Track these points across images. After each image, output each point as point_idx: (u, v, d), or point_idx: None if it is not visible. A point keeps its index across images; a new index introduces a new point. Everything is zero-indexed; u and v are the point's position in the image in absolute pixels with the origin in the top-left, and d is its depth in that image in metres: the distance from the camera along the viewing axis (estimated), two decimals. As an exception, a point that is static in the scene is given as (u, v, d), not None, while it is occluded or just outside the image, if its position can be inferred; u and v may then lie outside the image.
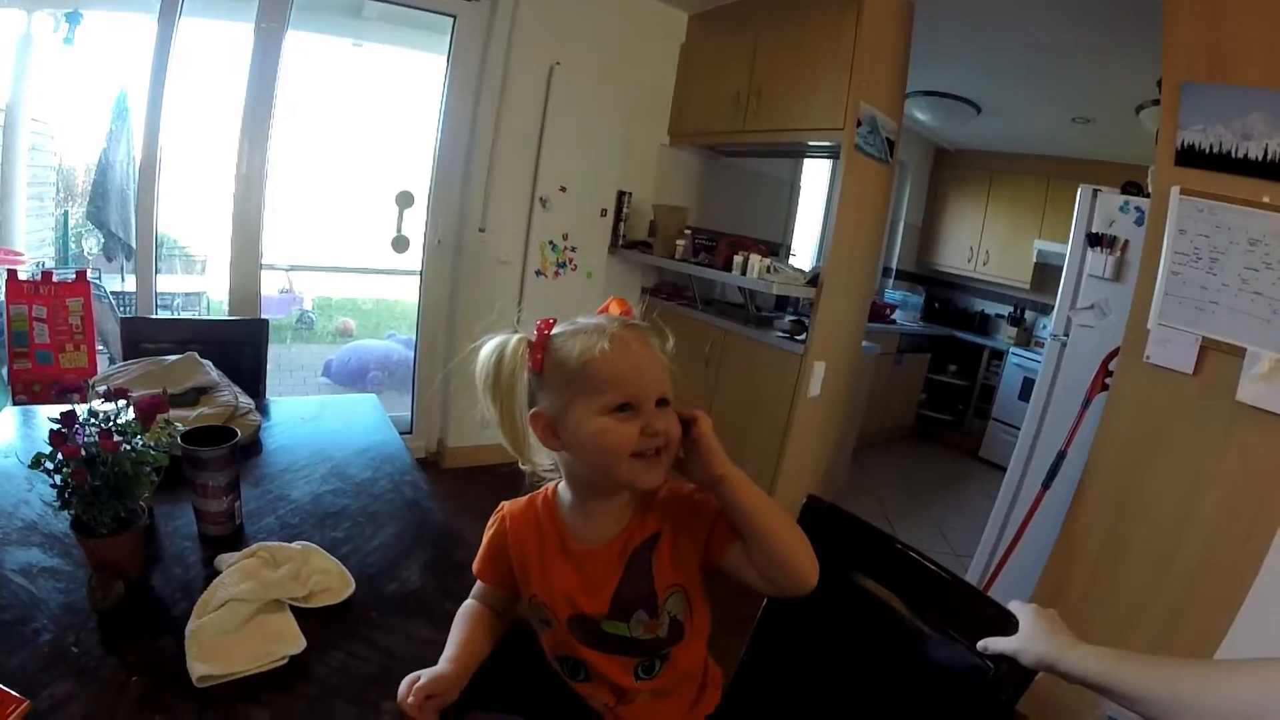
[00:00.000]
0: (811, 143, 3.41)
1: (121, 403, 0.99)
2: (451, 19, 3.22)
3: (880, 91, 3.09)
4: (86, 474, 0.93)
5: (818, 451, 3.36)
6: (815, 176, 4.86)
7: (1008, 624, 0.92)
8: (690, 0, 3.72)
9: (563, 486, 0.97)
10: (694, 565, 0.93)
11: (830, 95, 3.02)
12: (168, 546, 1.15)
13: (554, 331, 0.88)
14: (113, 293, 2.84)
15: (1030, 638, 0.87)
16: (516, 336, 0.89)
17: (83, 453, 0.93)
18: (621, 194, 3.79)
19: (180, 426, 1.08)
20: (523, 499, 1.01)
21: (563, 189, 3.51)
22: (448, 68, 3.25)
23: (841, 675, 1.13)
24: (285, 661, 0.91)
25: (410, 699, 0.84)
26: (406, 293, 3.59)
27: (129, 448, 0.97)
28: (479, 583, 1.03)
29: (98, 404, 0.98)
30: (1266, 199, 1.70)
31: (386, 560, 1.22)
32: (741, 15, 3.54)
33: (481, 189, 3.32)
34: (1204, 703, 0.70)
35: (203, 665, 0.85)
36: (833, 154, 3.51)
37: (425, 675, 0.86)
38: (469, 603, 1.03)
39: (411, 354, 3.63)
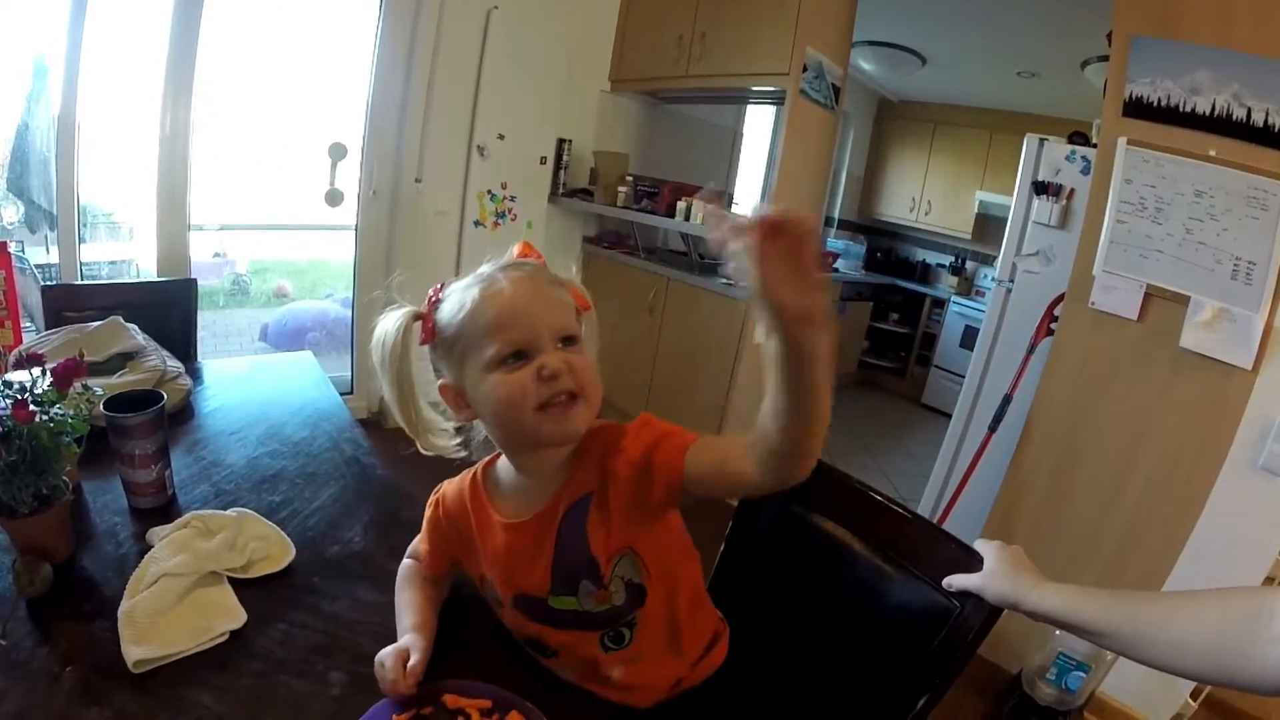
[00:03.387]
0: (756, 88, 3.37)
1: (37, 371, 0.90)
2: (382, -42, 3.03)
3: (827, 38, 3.05)
4: (1, 449, 0.84)
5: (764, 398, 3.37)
6: (758, 125, 4.80)
7: (970, 562, 0.92)
8: (632, -59, 3.59)
9: (501, 460, 0.91)
10: (641, 517, 0.83)
11: (776, 40, 2.98)
12: (97, 523, 1.06)
13: (442, 295, 0.82)
14: (37, 265, 2.65)
15: (994, 575, 0.87)
16: (401, 311, 0.83)
17: (-4, 426, 0.84)
18: (561, 141, 3.69)
19: (99, 390, 0.99)
20: (458, 478, 0.96)
21: (501, 137, 3.38)
22: (380, 10, 3.07)
23: (804, 621, 1.12)
24: (226, 637, 0.85)
25: (403, 680, 0.78)
26: (343, 251, 3.45)
27: (46, 418, 0.88)
28: (415, 545, 0.99)
29: (11, 375, 0.89)
30: (1213, 152, 1.73)
31: (327, 522, 1.16)
32: (686, -44, 3.43)
33: (417, 138, 3.17)
34: (1168, 635, 0.70)
35: (138, 649, 0.78)
36: (777, 100, 3.46)
37: (414, 656, 0.81)
38: (408, 563, 0.99)
39: (349, 313, 3.51)
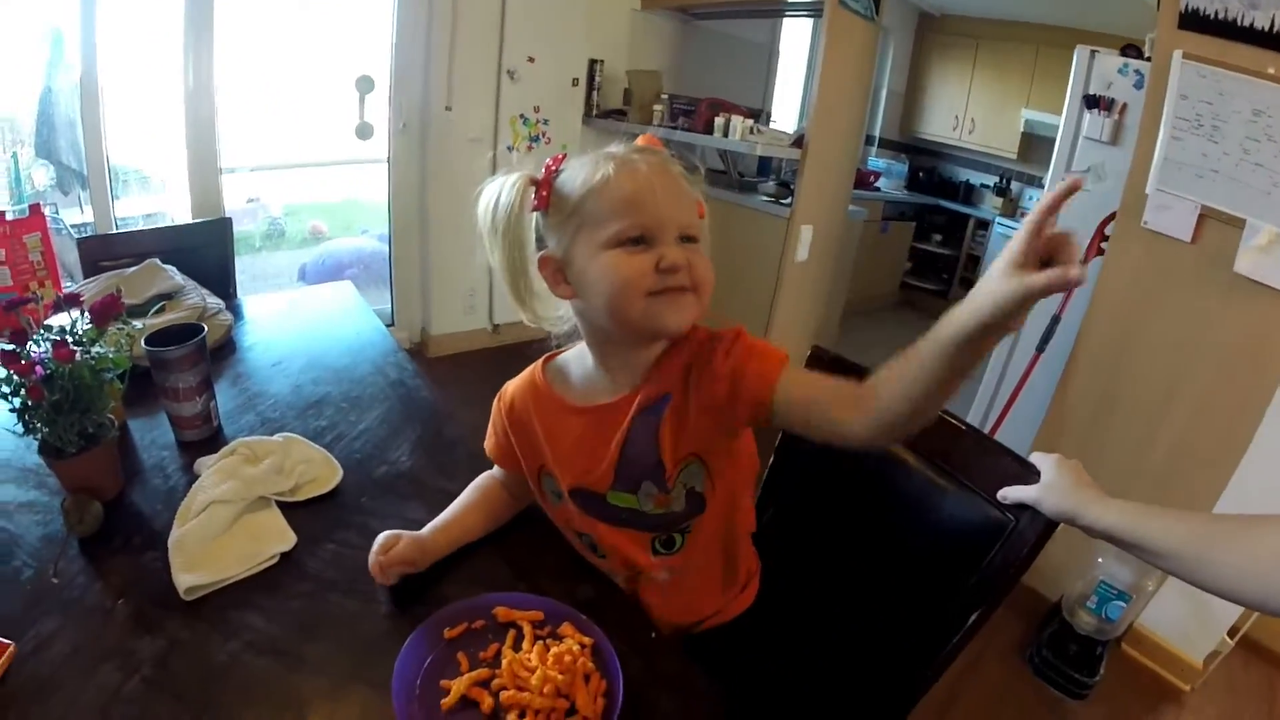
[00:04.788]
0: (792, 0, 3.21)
1: (75, 311, 0.91)
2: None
3: (868, -58, 2.88)
4: (43, 390, 0.86)
5: (806, 316, 3.37)
6: (795, 39, 4.62)
7: (1026, 475, 0.90)
8: None
9: (571, 353, 0.91)
10: (717, 432, 0.82)
11: (815, -54, 2.83)
12: (145, 459, 1.10)
13: (562, 165, 0.79)
14: (72, 225, 2.68)
15: (1053, 488, 0.85)
16: (518, 174, 0.78)
17: (38, 368, 0.86)
18: (593, 62, 3.60)
19: (138, 325, 1.01)
20: (519, 376, 0.95)
21: (530, 59, 3.30)
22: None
23: (854, 538, 1.11)
24: (276, 560, 0.88)
25: (378, 557, 0.83)
26: (375, 188, 3.44)
27: (87, 356, 0.90)
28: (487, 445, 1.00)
29: (50, 319, 0.91)
30: (1272, 70, 1.61)
31: (374, 444, 1.19)
32: None
33: (445, 66, 3.10)
34: (1232, 558, 0.67)
35: (189, 576, 0.82)
36: (815, 11, 3.32)
37: (403, 541, 0.85)
38: (484, 475, 1.01)
39: (386, 248, 3.53)
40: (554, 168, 0.79)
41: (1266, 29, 1.61)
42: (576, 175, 0.77)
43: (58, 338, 0.88)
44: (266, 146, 3.23)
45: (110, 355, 0.91)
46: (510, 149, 3.38)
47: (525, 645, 0.76)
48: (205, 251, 1.86)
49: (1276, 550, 0.64)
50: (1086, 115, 2.33)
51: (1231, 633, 1.94)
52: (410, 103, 3.18)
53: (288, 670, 0.73)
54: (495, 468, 1.00)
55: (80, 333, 0.90)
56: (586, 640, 0.77)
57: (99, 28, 2.41)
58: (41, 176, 2.71)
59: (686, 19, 3.94)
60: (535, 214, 0.79)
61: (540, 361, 0.94)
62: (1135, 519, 0.76)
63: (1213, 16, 1.69)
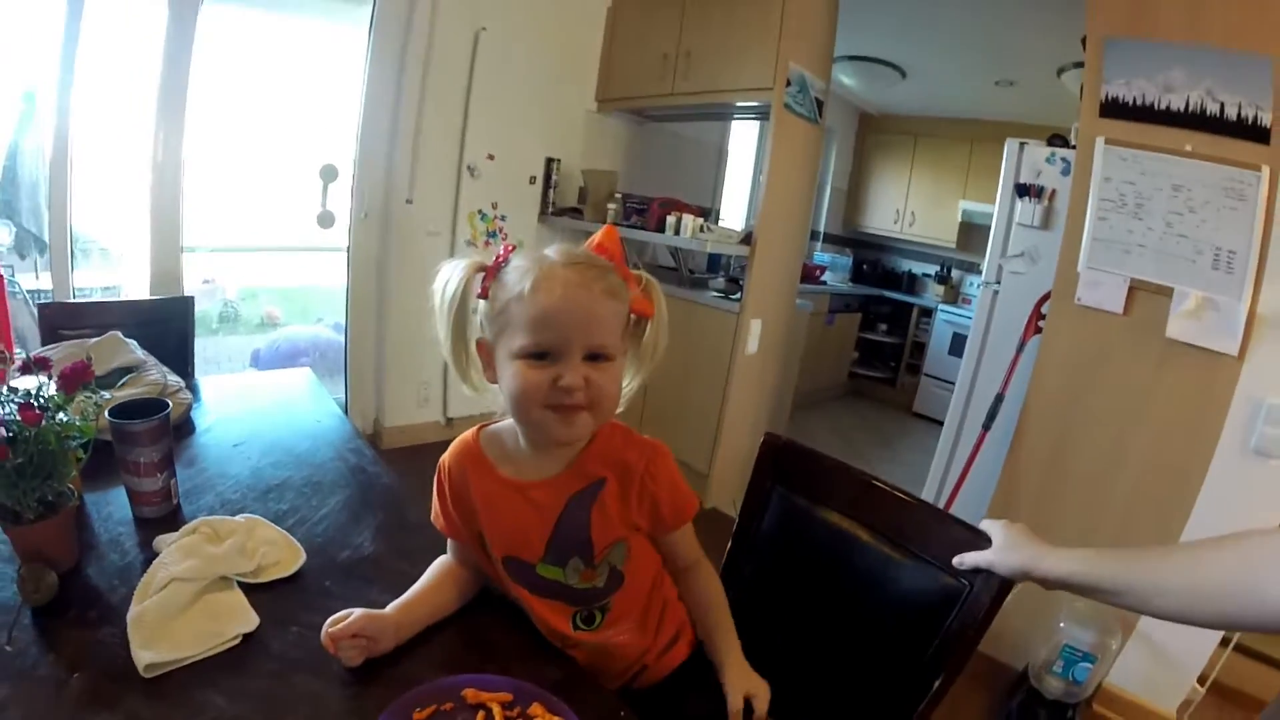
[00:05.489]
0: (740, 104, 3.41)
1: (43, 375, 0.90)
2: (373, -18, 3.07)
3: (809, 52, 3.10)
4: (8, 450, 0.84)
5: (757, 407, 3.41)
6: (743, 140, 4.86)
7: (977, 541, 0.94)
8: (616, -38, 3.65)
9: (505, 424, 0.94)
10: (640, 524, 0.92)
11: (760, 55, 3.02)
12: (101, 533, 1.06)
13: (509, 260, 0.84)
14: (29, 291, 2.64)
15: (1005, 548, 0.89)
16: (468, 261, 0.85)
17: (1, 430, 0.84)
18: (550, 160, 3.71)
19: (106, 394, 0.99)
20: (454, 444, 0.97)
21: (490, 156, 3.41)
22: (370, 34, 3.09)
23: (814, 612, 1.13)
24: (239, 641, 0.85)
25: (328, 628, 0.81)
26: (333, 277, 3.46)
27: (53, 421, 0.88)
28: (449, 540, 1.01)
29: (16, 380, 0.89)
30: (1189, 147, 1.77)
31: (336, 528, 1.16)
32: (669, -24, 3.48)
33: (408, 159, 3.19)
34: (1189, 581, 0.71)
35: (148, 653, 0.78)
36: (762, 115, 3.51)
37: (358, 612, 0.83)
38: (440, 558, 1.01)
39: (341, 338, 3.51)
40: (501, 260, 0.84)
41: (1182, 110, 1.77)
42: (511, 275, 0.82)
43: (24, 400, 0.86)
44: (228, 228, 3.23)
45: (77, 423, 0.89)
46: (468, 243, 3.45)
47: (496, 727, 0.75)
48: (166, 327, 1.85)
49: (1229, 565, 0.69)
50: (1019, 203, 2.49)
51: (1201, 680, 1.96)
52: (372, 193, 3.23)
53: (253, 751, 0.70)
54: (448, 547, 1.01)
55: (47, 398, 0.88)
56: None
57: (75, 89, 2.43)
58: (2, 236, 2.66)
59: (640, 120, 4.12)
60: (479, 299, 0.84)
61: (475, 429, 0.96)
62: (1088, 562, 0.80)
63: (1132, 103, 1.86)
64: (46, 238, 2.56)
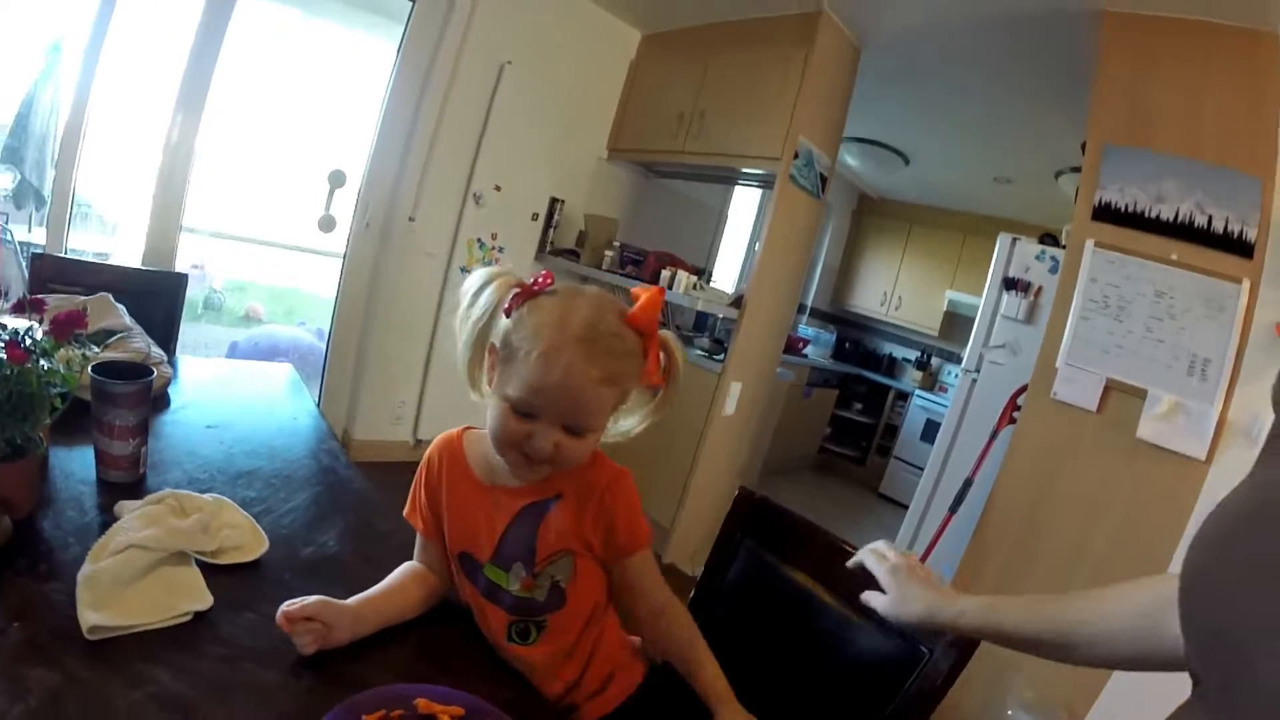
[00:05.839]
0: (746, 170, 3.49)
1: (36, 318, 0.89)
2: (411, 3, 3.14)
3: (819, 129, 3.20)
4: (-12, 385, 0.82)
5: (728, 469, 3.40)
6: (743, 206, 4.96)
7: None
8: (646, 20, 3.78)
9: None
10: (592, 543, 0.93)
11: (772, 125, 3.11)
12: (62, 489, 1.04)
13: (545, 290, 0.86)
14: (20, 243, 2.61)
15: (902, 601, 0.87)
16: (506, 275, 0.87)
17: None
18: (555, 200, 3.76)
19: (96, 349, 0.98)
20: (444, 435, 1.01)
21: (497, 188, 3.45)
22: (399, 51, 3.16)
23: (774, 668, 1.12)
24: (189, 618, 0.82)
25: (285, 608, 0.80)
26: (321, 282, 3.45)
27: (38, 364, 0.87)
28: (418, 538, 1.01)
29: (6, 318, 0.88)
30: (1174, 256, 1.85)
31: (302, 523, 1.14)
32: (695, 40, 3.61)
33: (417, 177, 3.22)
34: (1100, 627, 0.71)
35: (95, 614, 0.76)
36: (766, 184, 3.60)
37: (315, 597, 0.83)
38: (406, 563, 1.01)
39: (321, 345, 3.48)
40: (538, 288, 0.85)
41: (1171, 219, 1.85)
42: (532, 319, 0.83)
43: (11, 337, 0.85)
44: (230, 215, 3.22)
45: (61, 370, 0.88)
46: (463, 270, 3.46)
47: (442, 740, 0.74)
48: (156, 300, 1.84)
49: (1142, 606, 0.68)
50: (1005, 296, 2.56)
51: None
52: (377, 205, 3.25)
53: (190, 730, 0.67)
54: (416, 549, 1.02)
55: (35, 339, 0.87)
56: None
57: (101, 55, 2.45)
58: (5, 181, 2.63)
59: (647, 174, 4.20)
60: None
61: (462, 429, 1.00)
62: (995, 610, 0.79)
63: (1124, 209, 1.94)
64: (47, 193, 2.54)
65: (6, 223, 2.57)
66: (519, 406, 0.82)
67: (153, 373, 1.10)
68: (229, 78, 2.74)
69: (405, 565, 1.00)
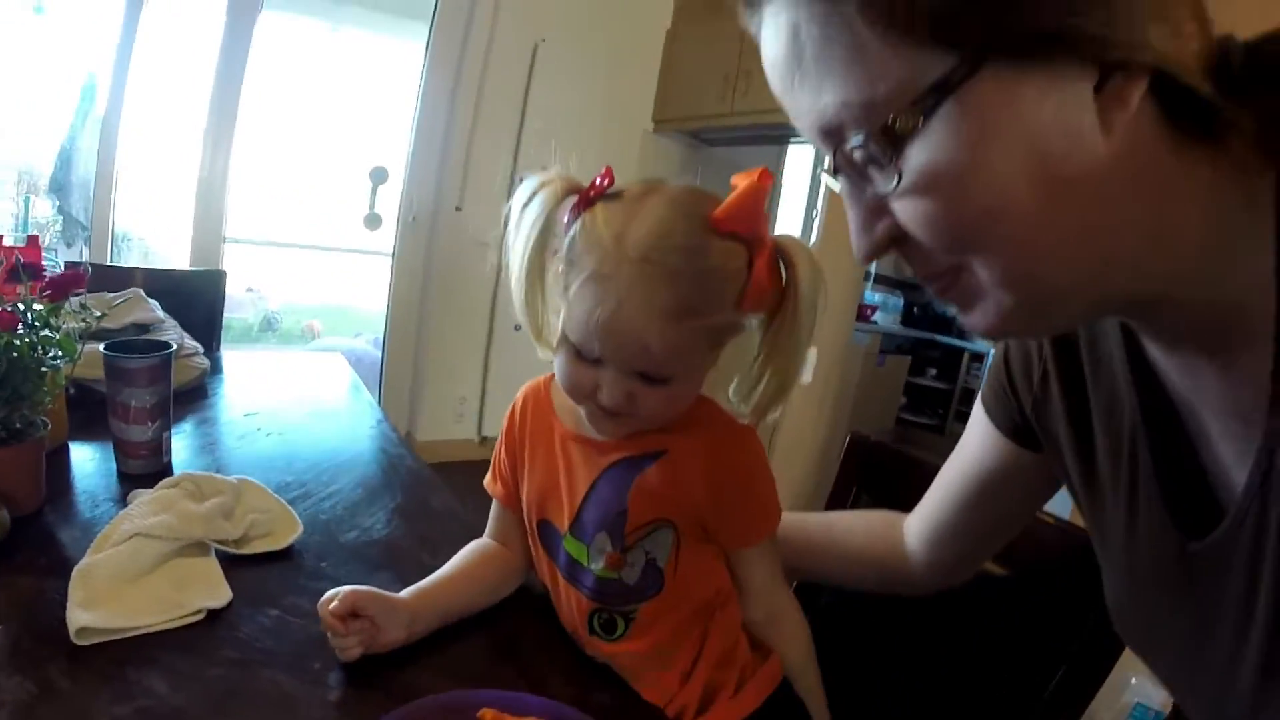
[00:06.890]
0: (800, 126, 3.31)
1: (34, 284, 0.78)
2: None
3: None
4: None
5: (808, 441, 3.24)
6: (797, 169, 4.77)
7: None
8: (678, -17, 3.61)
9: None
10: (703, 519, 0.71)
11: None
12: (78, 482, 0.94)
13: (611, 189, 0.65)
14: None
15: None
16: (558, 176, 0.66)
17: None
18: (602, 177, 3.65)
19: (101, 313, 0.86)
20: (525, 385, 0.81)
21: (544, 169, 3.34)
22: (429, 37, 3.09)
23: (914, 648, 0.94)
24: (201, 616, 0.69)
25: (326, 602, 0.65)
26: (374, 292, 3.42)
27: (33, 333, 0.76)
28: (493, 507, 0.84)
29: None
30: None
31: (346, 506, 1.01)
32: (730, -2, 3.44)
33: (460, 166, 3.16)
34: (838, 549, 0.84)
35: (85, 614, 0.63)
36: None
37: (360, 587, 0.67)
38: (476, 540, 0.84)
39: (379, 353, 3.44)
40: (597, 191, 0.65)
41: None
42: (587, 232, 0.63)
43: (6, 307, 0.73)
44: (272, 223, 3.22)
45: (56, 338, 0.77)
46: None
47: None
48: (195, 299, 1.78)
49: (873, 534, 0.83)
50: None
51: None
52: (421, 198, 3.19)
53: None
54: (490, 521, 0.85)
55: (28, 303, 0.76)
56: None
57: (128, 83, 2.48)
58: (47, 210, 2.72)
59: (696, 143, 4.05)
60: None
61: (549, 375, 0.78)
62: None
63: None
64: (90, 225, 2.59)
65: (56, 255, 2.64)
66: (581, 349, 0.64)
67: (170, 346, 0.98)
68: (264, 91, 2.75)
69: (473, 544, 0.83)
